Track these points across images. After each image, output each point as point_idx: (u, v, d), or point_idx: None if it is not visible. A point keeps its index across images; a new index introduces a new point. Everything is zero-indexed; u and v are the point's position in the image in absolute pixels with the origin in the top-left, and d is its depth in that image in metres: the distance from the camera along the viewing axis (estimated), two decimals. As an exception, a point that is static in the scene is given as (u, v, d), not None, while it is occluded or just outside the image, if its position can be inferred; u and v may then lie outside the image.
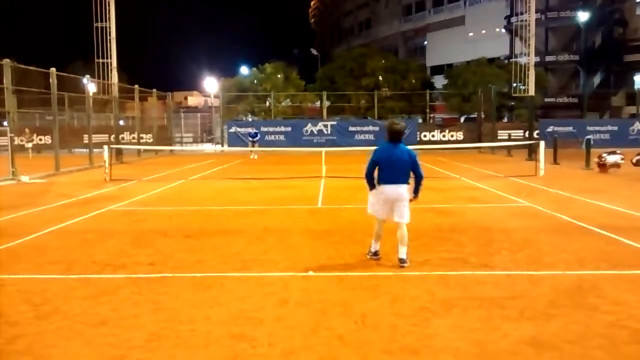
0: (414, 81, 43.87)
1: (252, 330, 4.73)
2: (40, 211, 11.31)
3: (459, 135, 35.29)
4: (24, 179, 16.87)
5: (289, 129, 35.39)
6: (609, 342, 4.42)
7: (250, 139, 29.06)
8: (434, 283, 6.06)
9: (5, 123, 22.69)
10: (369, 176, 6.89)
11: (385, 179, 6.81)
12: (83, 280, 6.27)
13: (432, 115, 44.02)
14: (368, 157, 7.02)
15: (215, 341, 4.53)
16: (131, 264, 6.96)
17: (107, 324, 4.90)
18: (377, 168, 6.85)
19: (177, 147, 36.29)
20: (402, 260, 6.73)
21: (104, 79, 25.30)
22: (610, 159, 18.07)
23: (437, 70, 59.51)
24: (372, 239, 7.14)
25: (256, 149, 28.38)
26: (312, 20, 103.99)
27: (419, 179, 6.93)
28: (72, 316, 5.10)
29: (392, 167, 6.77)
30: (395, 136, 6.87)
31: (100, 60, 25.18)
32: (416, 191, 6.94)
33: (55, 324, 4.92)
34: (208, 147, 40.34)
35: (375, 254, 7.10)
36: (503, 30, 54.58)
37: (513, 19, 37.26)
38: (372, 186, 6.94)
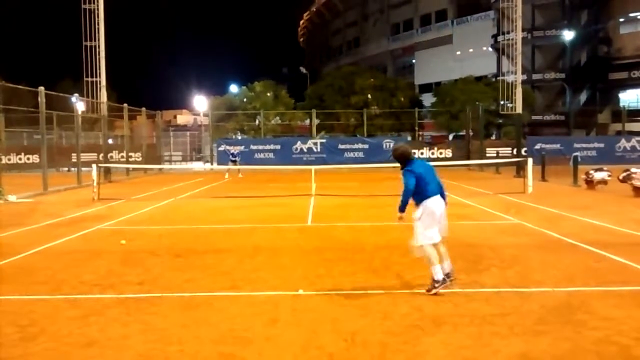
0: (402, 99, 44.20)
1: (242, 350, 4.70)
2: (28, 231, 11.20)
3: (448, 153, 35.50)
4: (11, 198, 16.72)
5: (279, 147, 35.46)
6: (598, 358, 4.44)
7: (231, 158, 28.83)
8: (424, 300, 6.05)
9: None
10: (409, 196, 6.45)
11: (431, 193, 6.44)
12: (70, 301, 6.20)
13: (420, 133, 44.30)
14: (403, 178, 6.53)
15: (204, 361, 4.49)
16: (120, 284, 6.90)
17: (95, 345, 4.84)
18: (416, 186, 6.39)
19: (166, 166, 36.19)
20: (450, 275, 6.38)
21: (93, 97, 25.28)
22: (598, 175, 18.23)
23: (426, 88, 60.04)
24: (435, 265, 6.32)
25: (240, 167, 28.23)
26: (301, 39, 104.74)
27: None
28: (59, 337, 5.03)
29: (432, 180, 6.52)
30: (411, 157, 6.62)
31: (89, 79, 25.18)
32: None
33: (42, 345, 4.85)
34: (197, 166, 40.27)
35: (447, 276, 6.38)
36: (490, 49, 55.22)
37: (500, 38, 37.75)
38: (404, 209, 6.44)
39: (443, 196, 6.58)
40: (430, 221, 6.39)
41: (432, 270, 6.32)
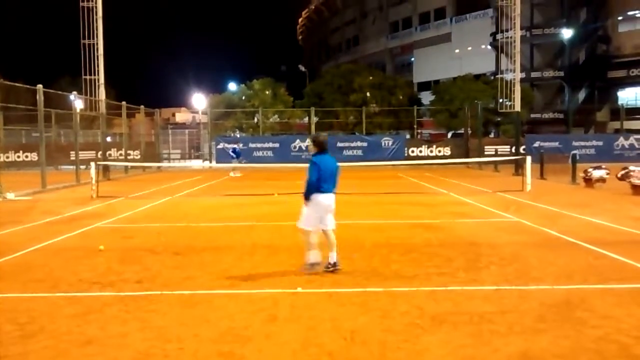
0: (401, 97, 44.20)
1: (241, 347, 4.69)
2: (26, 229, 11.18)
3: (447, 151, 35.50)
4: (10, 196, 16.69)
5: (277, 145, 35.44)
6: (598, 357, 4.43)
7: (234, 156, 28.27)
8: (423, 298, 6.05)
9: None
10: (313, 189, 7.12)
11: (324, 189, 7.16)
12: (69, 299, 6.19)
13: (419, 131, 44.32)
14: (306, 172, 7.22)
15: (203, 359, 4.48)
16: (118, 282, 6.89)
17: (94, 343, 4.83)
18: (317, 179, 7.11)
19: (164, 164, 36.15)
20: (335, 264, 7.18)
21: (91, 95, 25.25)
22: (596, 173, 18.26)
23: (424, 86, 60.04)
24: (311, 251, 7.21)
25: (239, 165, 28.04)
26: (300, 37, 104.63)
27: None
28: (58, 335, 5.02)
29: (331, 176, 7.25)
30: (325, 146, 7.39)
31: (88, 77, 25.16)
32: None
33: (41, 343, 4.84)
34: (196, 164, 40.23)
35: (334, 265, 7.25)
36: (489, 47, 55.21)
37: (498, 36, 37.71)
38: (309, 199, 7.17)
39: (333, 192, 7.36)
40: (315, 212, 7.16)
41: (306, 254, 7.24)
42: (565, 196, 16.04)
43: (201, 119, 47.29)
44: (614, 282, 6.63)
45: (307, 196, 7.14)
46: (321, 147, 7.35)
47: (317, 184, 7.09)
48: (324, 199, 7.17)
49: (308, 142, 7.57)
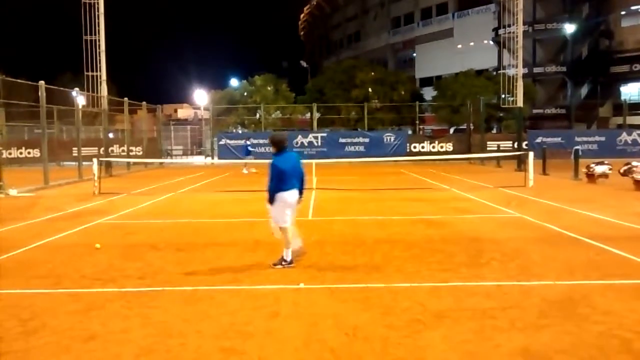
0: (403, 93, 44.09)
1: (243, 343, 4.70)
2: (29, 225, 11.20)
3: (449, 147, 35.47)
4: (12, 192, 16.72)
5: (255, 140, 35.35)
6: (600, 352, 4.43)
7: (249, 152, 27.55)
8: (425, 294, 6.05)
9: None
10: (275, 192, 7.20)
11: (288, 187, 7.27)
12: (72, 295, 6.20)
13: (421, 126, 44.23)
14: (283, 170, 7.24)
15: (205, 355, 4.49)
16: (120, 278, 6.90)
17: (96, 339, 4.84)
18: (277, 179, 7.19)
19: (166, 160, 36.17)
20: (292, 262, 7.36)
21: (93, 91, 25.24)
22: (599, 169, 18.24)
23: (426, 82, 59.94)
24: (288, 249, 7.36)
25: (247, 161, 27.85)
26: (302, 32, 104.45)
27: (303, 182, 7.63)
28: (60, 331, 5.04)
29: (293, 174, 7.35)
30: (283, 145, 7.48)
31: (90, 73, 25.14)
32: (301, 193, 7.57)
33: (43, 339, 4.85)
34: (198, 160, 40.25)
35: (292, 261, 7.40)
36: (491, 42, 55.07)
37: (501, 31, 37.48)
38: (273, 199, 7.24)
39: (301, 190, 7.53)
40: (283, 208, 7.26)
41: (284, 251, 7.34)
42: (567, 192, 16.02)
43: (203, 115, 47.25)
44: (615, 278, 6.62)
45: (270, 200, 7.24)
46: (279, 147, 7.42)
47: (278, 185, 7.18)
48: (288, 196, 7.29)
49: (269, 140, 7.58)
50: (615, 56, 49.79)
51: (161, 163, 32.87)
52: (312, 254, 8.15)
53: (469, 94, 38.33)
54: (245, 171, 26.28)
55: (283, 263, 7.32)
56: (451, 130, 44.49)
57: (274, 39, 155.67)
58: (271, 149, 7.51)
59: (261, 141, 35.27)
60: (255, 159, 27.41)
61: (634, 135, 34.49)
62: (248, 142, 28.53)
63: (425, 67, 66.35)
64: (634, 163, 16.67)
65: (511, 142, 32.21)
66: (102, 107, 26.01)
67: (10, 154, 31.42)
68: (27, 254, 8.46)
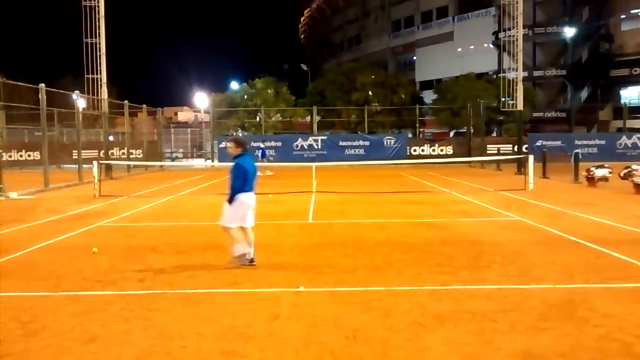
0: (403, 96, 44.06)
1: (243, 346, 4.70)
2: (29, 227, 11.21)
3: (449, 150, 35.49)
4: (13, 195, 16.73)
5: (280, 143, 35.47)
6: (600, 355, 4.43)
7: (264, 155, 27.27)
8: (425, 297, 6.06)
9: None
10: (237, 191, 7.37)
11: (247, 188, 7.47)
12: (72, 297, 6.21)
13: (421, 129, 44.25)
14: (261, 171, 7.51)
15: (206, 357, 4.50)
16: (121, 280, 6.91)
17: (97, 341, 4.84)
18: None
19: (167, 163, 36.18)
20: (252, 260, 7.53)
21: (93, 94, 25.27)
22: (599, 172, 18.24)
23: (427, 85, 59.89)
24: (236, 245, 7.48)
25: (263, 164, 27.41)
26: (302, 35, 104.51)
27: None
28: (60, 333, 5.04)
29: (253, 177, 7.57)
30: (246, 147, 7.77)
31: (90, 76, 25.16)
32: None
33: (44, 341, 4.86)
34: (198, 163, 40.26)
35: (251, 261, 7.55)
36: (491, 46, 55.09)
37: (501, 35, 37.60)
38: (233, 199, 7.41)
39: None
40: (239, 210, 7.40)
41: (232, 248, 7.47)
42: (567, 195, 16.03)
43: (203, 118, 47.28)
44: (615, 281, 6.63)
45: (231, 199, 7.37)
46: (244, 148, 7.65)
47: (241, 186, 7.36)
48: (247, 198, 7.45)
49: (228, 143, 7.62)
50: (616, 59, 49.82)
51: (161, 166, 32.88)
52: (312, 257, 8.16)
53: (469, 97, 38.35)
54: (268, 172, 26.42)
55: (233, 261, 7.49)
56: (451, 134, 44.50)
57: (275, 42, 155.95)
58: (231, 151, 7.71)
59: (261, 144, 35.38)
60: (268, 161, 27.40)
61: (634, 138, 34.50)
62: (263, 145, 28.52)
63: (426, 70, 66.37)
64: (634, 166, 16.67)
65: (511, 145, 32.22)
66: (103, 109, 26.03)
67: (10, 156, 31.45)
68: (28, 256, 8.47)
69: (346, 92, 43.54)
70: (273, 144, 35.32)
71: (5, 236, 10.24)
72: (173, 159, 42.14)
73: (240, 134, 42.16)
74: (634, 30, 49.53)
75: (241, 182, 7.35)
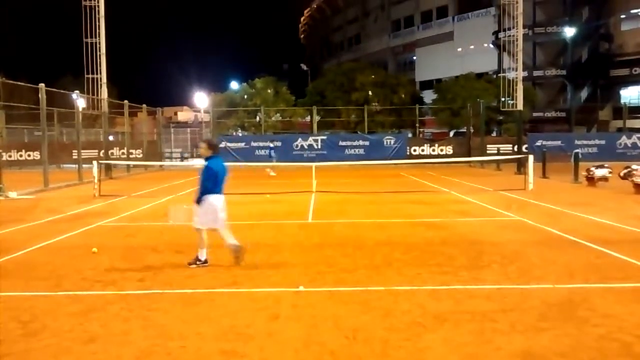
0: (403, 96, 44.04)
1: (243, 346, 4.70)
2: (29, 227, 11.21)
3: (449, 150, 35.48)
4: (12, 194, 16.72)
5: (279, 143, 35.45)
6: (600, 355, 4.43)
7: (273, 155, 27.71)
8: (425, 297, 6.05)
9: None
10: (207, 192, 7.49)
11: (217, 190, 7.57)
12: (72, 297, 6.21)
13: (421, 129, 44.22)
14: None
15: (206, 357, 4.50)
16: (121, 280, 6.91)
17: (97, 341, 4.84)
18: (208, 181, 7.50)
19: (166, 163, 36.17)
20: (207, 261, 7.62)
21: (93, 94, 25.26)
22: (598, 172, 18.24)
23: (426, 85, 59.87)
24: (203, 249, 7.62)
25: (269, 164, 27.46)
26: (302, 35, 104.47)
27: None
28: (60, 333, 5.04)
29: (223, 179, 7.66)
30: (218, 149, 7.91)
31: (90, 76, 25.16)
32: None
33: (44, 341, 4.85)
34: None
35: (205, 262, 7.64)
36: (491, 46, 55.06)
37: (501, 35, 37.57)
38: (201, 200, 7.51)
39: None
40: (209, 212, 7.49)
41: (200, 251, 7.55)
42: (567, 195, 16.03)
43: (203, 118, 47.26)
44: (615, 281, 6.63)
45: (199, 200, 7.48)
46: (215, 150, 7.78)
47: (211, 187, 7.48)
48: (216, 200, 7.54)
49: (201, 144, 7.77)
50: (615, 59, 49.80)
51: (161, 166, 32.87)
52: (312, 257, 8.16)
53: (469, 97, 38.33)
54: (273, 173, 26.53)
55: (197, 262, 7.56)
56: (451, 134, 44.48)
57: (275, 42, 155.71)
58: (202, 152, 7.79)
59: (261, 144, 35.40)
60: (277, 161, 27.40)
61: (634, 138, 34.49)
62: (272, 145, 28.53)
63: (426, 70, 66.34)
64: (634, 166, 16.68)
65: (511, 145, 32.20)
66: (102, 109, 26.03)
67: (10, 156, 31.45)
68: (28, 256, 8.47)
69: (346, 92, 43.52)
70: (273, 143, 35.27)
71: (5, 236, 10.23)
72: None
73: (240, 134, 42.19)
74: (633, 30, 49.51)
75: (211, 183, 7.46)
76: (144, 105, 33.22)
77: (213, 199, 7.51)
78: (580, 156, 20.82)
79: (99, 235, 10.25)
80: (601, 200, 14.56)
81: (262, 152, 34.90)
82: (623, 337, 4.79)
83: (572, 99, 50.65)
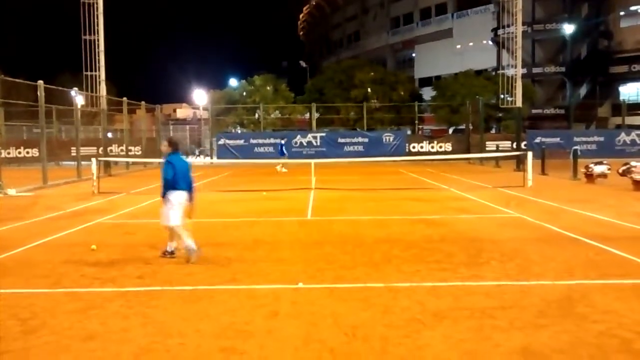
0: (402, 93, 44.08)
1: (243, 343, 4.70)
2: (28, 224, 11.20)
3: (448, 147, 35.49)
4: (11, 191, 16.71)
5: (278, 140, 35.42)
6: (599, 352, 4.44)
7: (284, 152, 27.58)
8: (424, 294, 6.06)
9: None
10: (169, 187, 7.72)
11: (179, 187, 7.79)
12: (71, 294, 6.20)
13: (420, 126, 44.22)
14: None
15: (205, 355, 4.49)
16: (120, 277, 6.90)
17: (96, 339, 4.84)
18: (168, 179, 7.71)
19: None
20: (173, 253, 7.92)
21: (92, 91, 25.23)
22: (597, 169, 18.26)
23: (426, 82, 59.94)
24: (179, 241, 7.81)
25: (283, 161, 27.42)
26: (301, 32, 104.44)
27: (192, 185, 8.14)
28: (59, 331, 5.04)
29: (184, 176, 7.87)
30: (178, 147, 8.22)
31: (89, 73, 25.12)
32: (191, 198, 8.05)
33: (43, 338, 4.85)
34: (197, 160, 40.20)
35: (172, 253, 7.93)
36: (490, 43, 55.07)
37: (500, 32, 37.56)
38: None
39: (190, 192, 8.06)
40: (177, 208, 7.70)
41: (186, 245, 7.65)
42: (566, 192, 16.04)
43: (202, 115, 47.26)
44: (614, 278, 6.63)
45: (164, 194, 7.72)
46: (175, 148, 8.06)
47: (173, 182, 7.68)
48: (178, 196, 7.75)
49: (163, 142, 8.15)
50: (614, 56, 49.80)
51: (160, 163, 32.82)
52: (311, 254, 8.16)
53: (468, 94, 38.36)
54: (283, 169, 26.53)
55: (166, 254, 7.90)
56: (450, 131, 44.51)
57: (274, 39, 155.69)
58: (163, 149, 8.05)
59: (260, 141, 35.40)
60: (289, 158, 27.36)
61: (633, 135, 34.53)
62: (282, 142, 28.54)
63: (425, 67, 66.36)
64: (633, 163, 16.69)
65: (510, 142, 32.24)
66: (101, 106, 26.00)
67: (9, 153, 31.42)
68: (27, 253, 8.46)
69: (345, 89, 43.55)
70: (272, 140, 35.25)
71: (4, 233, 10.22)
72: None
73: (239, 131, 42.17)
74: (633, 27, 49.50)
75: (171, 179, 7.66)
76: (143, 103, 33.20)
77: (175, 195, 7.71)
78: (579, 153, 20.85)
79: (98, 233, 10.24)
80: (600, 197, 14.57)
81: (262, 149, 34.93)
82: (622, 334, 4.79)
83: (571, 96, 50.65)
